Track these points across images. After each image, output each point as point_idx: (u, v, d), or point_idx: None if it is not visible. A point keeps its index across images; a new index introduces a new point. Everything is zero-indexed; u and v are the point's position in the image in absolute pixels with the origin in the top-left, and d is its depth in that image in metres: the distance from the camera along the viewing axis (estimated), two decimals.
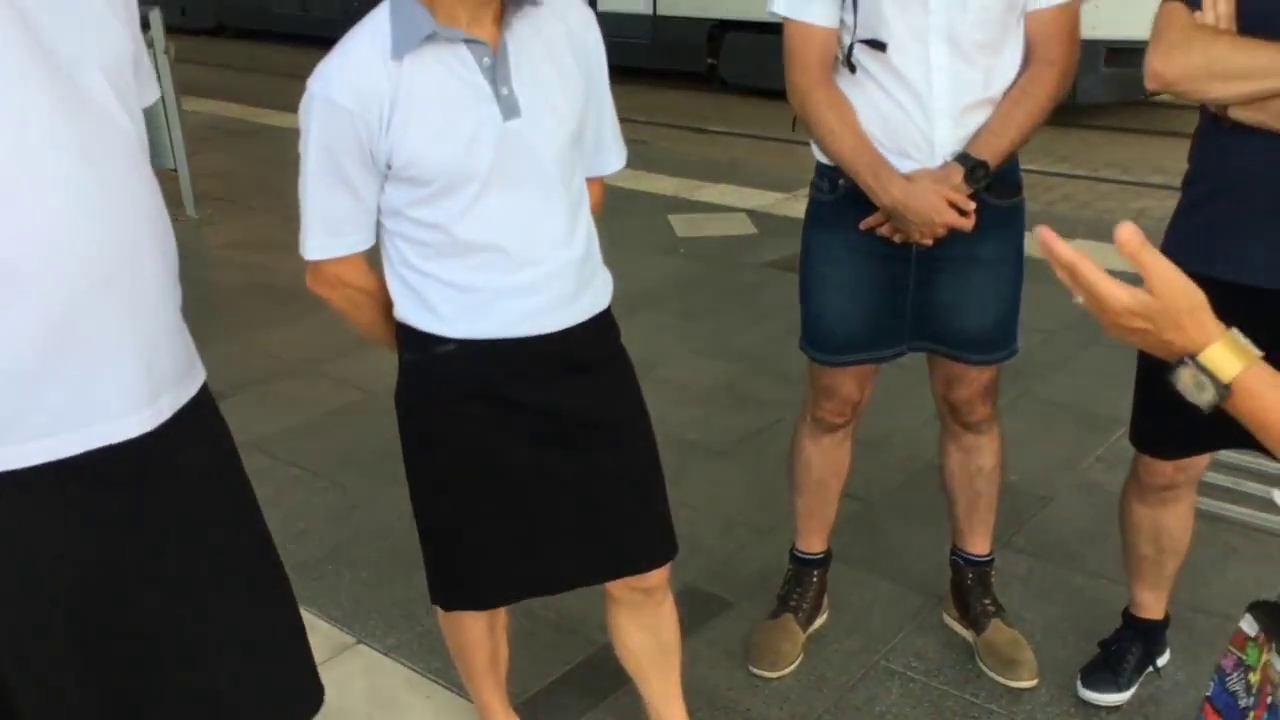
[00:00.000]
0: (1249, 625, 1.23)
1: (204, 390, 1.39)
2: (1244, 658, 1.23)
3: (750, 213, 5.76)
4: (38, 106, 1.14)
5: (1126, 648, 2.32)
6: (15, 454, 1.19)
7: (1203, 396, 0.99)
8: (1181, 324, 0.98)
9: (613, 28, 1.84)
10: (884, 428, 3.29)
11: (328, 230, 1.62)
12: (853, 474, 2.46)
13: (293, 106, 1.65)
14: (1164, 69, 1.80)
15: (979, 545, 2.44)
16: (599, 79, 1.71)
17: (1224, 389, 0.97)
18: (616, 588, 1.90)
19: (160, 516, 1.32)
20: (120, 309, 1.23)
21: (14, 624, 1.23)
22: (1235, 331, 0.99)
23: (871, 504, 3.03)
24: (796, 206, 5.63)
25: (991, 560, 2.47)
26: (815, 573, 2.52)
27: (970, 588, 2.45)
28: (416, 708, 2.33)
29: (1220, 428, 2.04)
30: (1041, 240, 1.00)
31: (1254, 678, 1.20)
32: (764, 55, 9.16)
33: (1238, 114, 1.77)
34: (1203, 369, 0.98)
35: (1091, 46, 7.82)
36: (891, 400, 3.19)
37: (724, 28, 9.89)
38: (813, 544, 2.50)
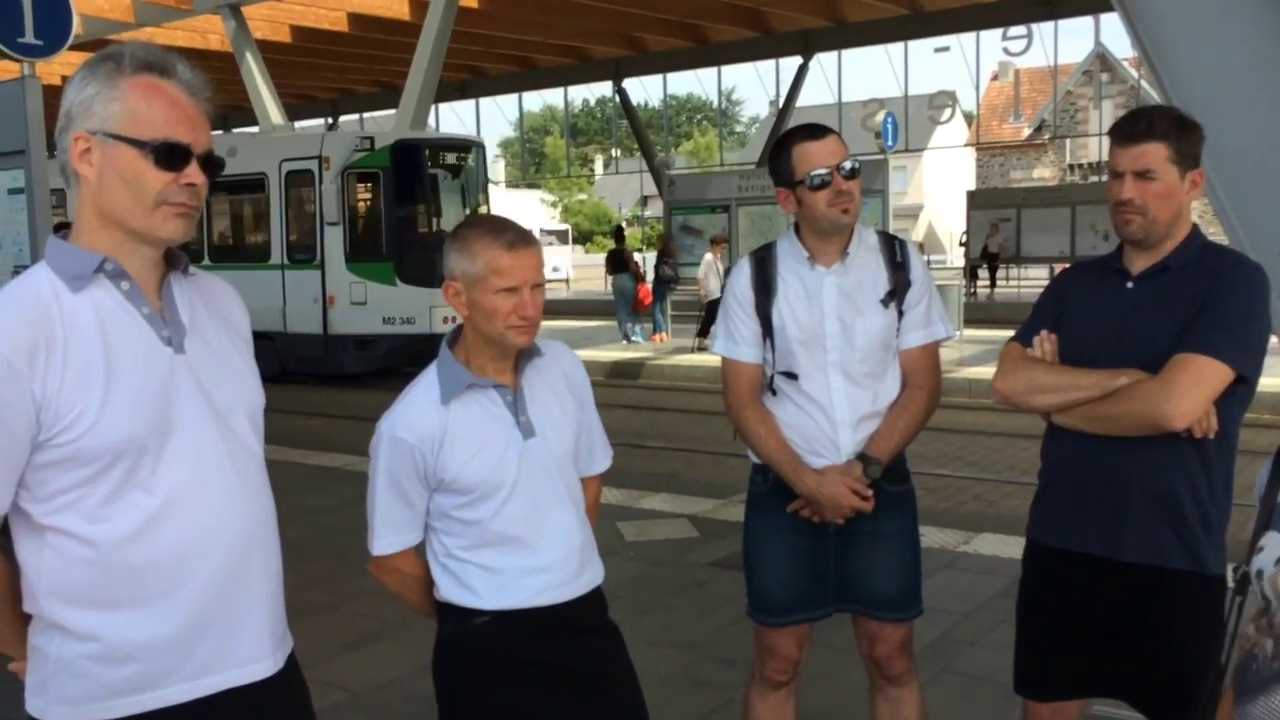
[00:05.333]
0: None
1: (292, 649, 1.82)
2: None
3: (691, 518, 6.32)
4: (211, 443, 1.66)
5: None
6: (162, 696, 1.61)
7: None
8: None
9: None
10: (822, 703, 3.68)
11: (391, 530, 2.14)
12: None
13: None
14: (1001, 387, 2.48)
15: None
16: (587, 403, 2.29)
17: None
18: None
19: None
20: (257, 576, 1.70)
21: None
22: None
23: None
24: (732, 511, 6.18)
25: None
26: None
27: None
28: None
29: (1083, 677, 2.55)
30: None
31: None
32: None
33: (1056, 419, 2.42)
34: None
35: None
36: (828, 679, 3.62)
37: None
38: None
